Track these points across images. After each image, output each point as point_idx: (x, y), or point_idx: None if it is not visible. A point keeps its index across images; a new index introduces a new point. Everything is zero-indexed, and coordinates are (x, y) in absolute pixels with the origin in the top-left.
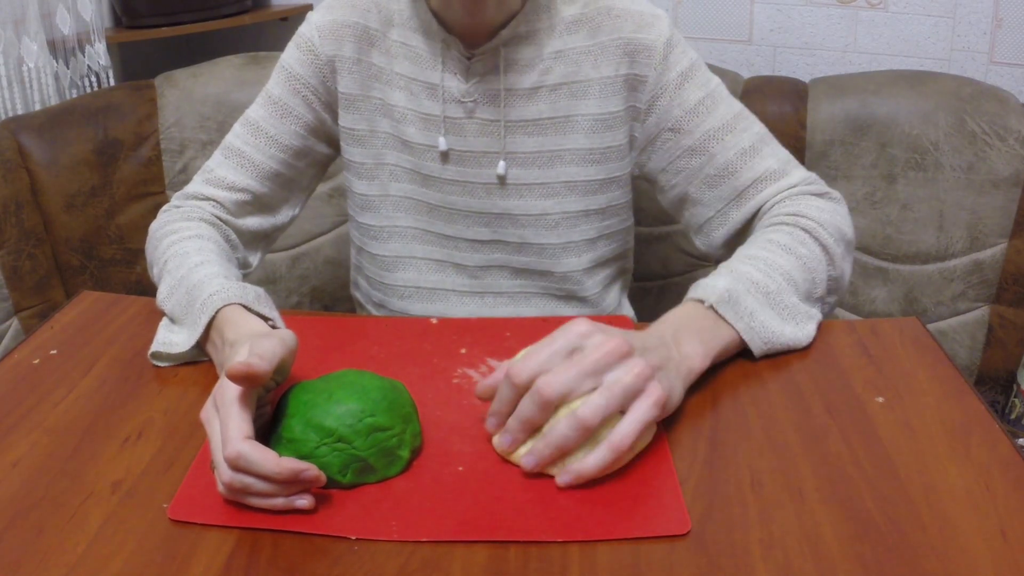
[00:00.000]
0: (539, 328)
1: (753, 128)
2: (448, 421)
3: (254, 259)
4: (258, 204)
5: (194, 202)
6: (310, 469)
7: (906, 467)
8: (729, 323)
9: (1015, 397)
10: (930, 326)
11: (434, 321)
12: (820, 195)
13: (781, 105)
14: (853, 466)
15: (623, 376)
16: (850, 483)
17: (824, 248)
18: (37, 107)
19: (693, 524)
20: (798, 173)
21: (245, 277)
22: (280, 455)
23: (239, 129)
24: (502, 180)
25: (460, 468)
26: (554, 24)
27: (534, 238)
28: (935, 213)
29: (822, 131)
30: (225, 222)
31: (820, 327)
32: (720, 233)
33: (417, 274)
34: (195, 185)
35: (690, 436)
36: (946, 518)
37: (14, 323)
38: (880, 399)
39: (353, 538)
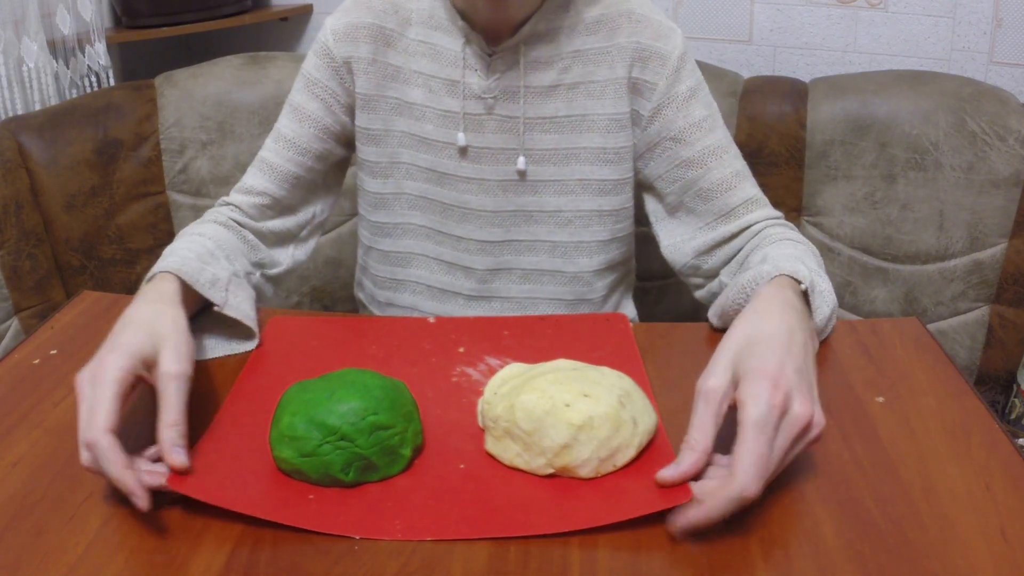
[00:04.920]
0: (536, 326)
1: (740, 157)
2: (448, 420)
3: (283, 256)
4: (278, 207)
5: (216, 208)
6: (141, 499)
7: (906, 467)
8: (812, 309)
9: (1015, 397)
10: (930, 326)
11: (432, 320)
12: (792, 228)
13: (781, 105)
14: (853, 466)
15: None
16: (850, 483)
17: (820, 263)
18: (37, 107)
19: None
20: (771, 208)
21: (275, 276)
22: (283, 453)
23: (267, 140)
24: (522, 175)
25: (462, 466)
26: (574, 24)
27: (547, 236)
28: (935, 213)
29: (822, 131)
30: (243, 224)
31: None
32: (696, 244)
33: (428, 272)
34: (228, 195)
35: None
36: (946, 518)
37: (14, 323)
38: (880, 399)
39: (357, 537)
